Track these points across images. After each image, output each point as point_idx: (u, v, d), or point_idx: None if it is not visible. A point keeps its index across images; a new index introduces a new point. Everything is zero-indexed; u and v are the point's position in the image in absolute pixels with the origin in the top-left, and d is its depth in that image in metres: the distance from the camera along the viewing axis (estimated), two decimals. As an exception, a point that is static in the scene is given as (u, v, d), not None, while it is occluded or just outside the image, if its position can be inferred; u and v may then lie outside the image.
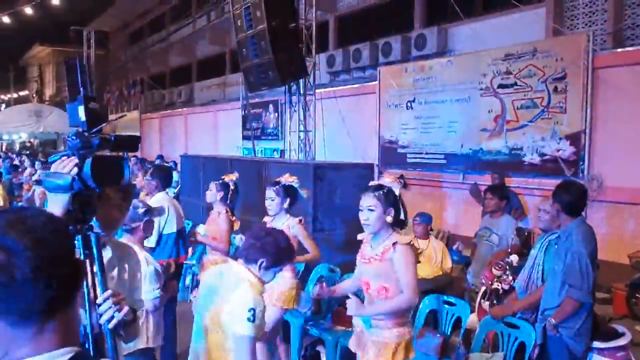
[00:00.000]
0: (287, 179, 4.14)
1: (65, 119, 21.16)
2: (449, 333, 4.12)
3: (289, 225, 3.97)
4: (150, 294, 3.06)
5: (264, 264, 2.53)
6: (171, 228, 4.46)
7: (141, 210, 3.29)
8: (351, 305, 2.82)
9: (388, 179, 2.97)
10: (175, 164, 12.13)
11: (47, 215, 1.05)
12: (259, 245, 2.54)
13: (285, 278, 3.93)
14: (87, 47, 20.50)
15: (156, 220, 3.60)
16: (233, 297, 2.40)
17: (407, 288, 2.79)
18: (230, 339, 2.37)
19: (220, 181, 4.77)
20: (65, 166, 1.68)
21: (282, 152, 13.14)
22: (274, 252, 2.54)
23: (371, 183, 3.02)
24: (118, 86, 24.56)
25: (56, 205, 1.67)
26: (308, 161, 8.45)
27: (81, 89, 1.81)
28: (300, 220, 4.02)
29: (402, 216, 2.91)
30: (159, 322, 3.27)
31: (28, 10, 17.76)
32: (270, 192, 4.05)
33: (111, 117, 24.07)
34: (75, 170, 1.68)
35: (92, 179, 1.68)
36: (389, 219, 2.84)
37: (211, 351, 2.47)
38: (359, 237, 3.09)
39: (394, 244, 2.83)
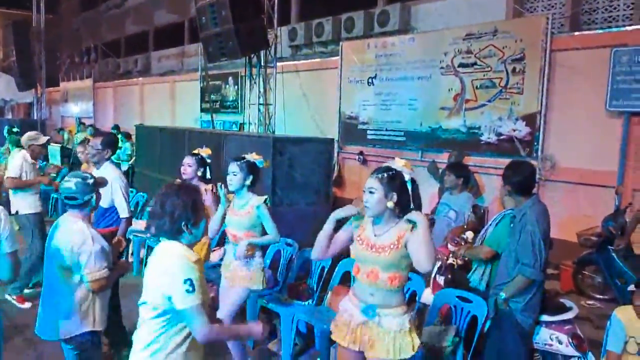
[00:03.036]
0: (254, 156, 3.98)
1: (12, 85, 20.27)
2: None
3: (252, 204, 3.84)
4: (97, 274, 2.92)
5: (186, 226, 2.33)
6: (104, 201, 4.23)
7: (91, 182, 3.10)
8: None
9: (399, 163, 2.83)
10: (130, 135, 11.79)
11: None
12: (166, 223, 2.31)
13: (253, 259, 3.88)
14: (36, 11, 19.53)
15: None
16: (164, 274, 2.28)
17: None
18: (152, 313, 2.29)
19: (198, 156, 4.59)
20: None
21: (242, 125, 12.96)
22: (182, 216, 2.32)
23: (385, 164, 2.87)
24: (70, 53, 23.57)
25: None
26: (267, 135, 8.34)
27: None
28: (265, 200, 3.86)
29: (410, 204, 2.77)
30: (105, 303, 3.13)
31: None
32: (233, 167, 3.86)
33: (62, 84, 23.18)
34: None
35: None
36: (390, 204, 2.73)
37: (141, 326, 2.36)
38: (361, 222, 2.93)
39: (411, 229, 2.73)
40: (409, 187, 2.79)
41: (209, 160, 4.65)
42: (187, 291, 2.19)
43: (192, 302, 2.20)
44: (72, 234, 2.94)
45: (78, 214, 3.05)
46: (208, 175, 4.63)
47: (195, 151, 4.65)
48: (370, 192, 2.76)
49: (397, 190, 2.75)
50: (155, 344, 2.28)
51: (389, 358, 2.73)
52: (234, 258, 3.87)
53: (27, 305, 5.44)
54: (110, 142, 4.65)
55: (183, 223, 2.30)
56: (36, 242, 5.63)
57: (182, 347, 2.31)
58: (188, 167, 4.50)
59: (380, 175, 2.76)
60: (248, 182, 3.88)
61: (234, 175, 3.85)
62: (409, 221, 2.75)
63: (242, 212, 3.87)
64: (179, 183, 2.46)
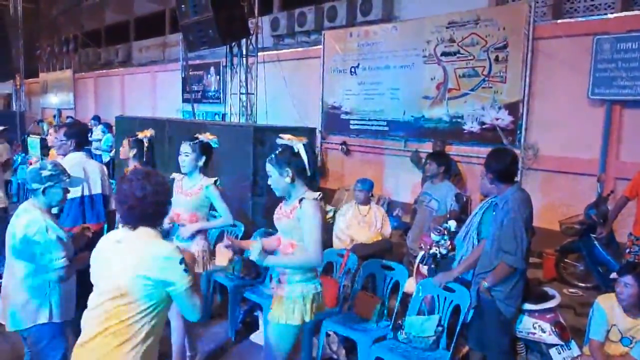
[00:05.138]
0: (207, 136, 3.89)
1: (-8, 76, 19.85)
2: (387, 297, 4.14)
3: (202, 185, 3.76)
4: (53, 263, 2.83)
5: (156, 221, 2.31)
6: (75, 192, 3.92)
7: (46, 173, 2.96)
8: (253, 250, 2.80)
9: (284, 139, 2.91)
10: (111, 126, 11.59)
11: None
12: (138, 210, 2.24)
13: (196, 241, 3.77)
14: (13, 1, 19.12)
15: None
16: (150, 259, 2.17)
17: (310, 245, 2.78)
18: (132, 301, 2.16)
19: (134, 137, 4.49)
20: None
21: (224, 116, 12.81)
22: (151, 207, 2.25)
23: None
24: (49, 43, 23.10)
25: None
26: (248, 124, 8.23)
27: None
28: (215, 182, 3.78)
29: (307, 172, 2.86)
30: (69, 294, 3.02)
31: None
32: (185, 147, 3.80)
33: (42, 75, 22.75)
34: None
35: None
36: (288, 179, 2.84)
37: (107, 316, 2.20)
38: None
39: (300, 200, 2.82)
40: (304, 155, 2.85)
41: (146, 143, 4.47)
42: (185, 271, 2.18)
43: (189, 282, 2.19)
44: (27, 223, 2.84)
45: (35, 203, 2.96)
46: (144, 158, 4.46)
47: (138, 133, 4.56)
48: (269, 176, 2.91)
49: (290, 164, 2.84)
50: (128, 335, 2.14)
51: (272, 321, 2.90)
52: (177, 239, 3.76)
53: None
54: (75, 132, 4.43)
55: (155, 208, 2.26)
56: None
57: (152, 336, 2.21)
58: (121, 148, 4.53)
59: (269, 158, 2.90)
60: (200, 163, 3.81)
61: (186, 155, 3.79)
62: (301, 200, 2.83)
63: (190, 192, 3.80)
64: (144, 170, 2.37)
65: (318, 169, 3.03)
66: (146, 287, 2.13)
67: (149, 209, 2.23)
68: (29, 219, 2.85)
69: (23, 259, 2.86)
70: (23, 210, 2.95)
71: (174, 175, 3.97)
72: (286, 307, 2.85)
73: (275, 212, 3.03)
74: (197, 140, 3.83)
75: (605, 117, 6.88)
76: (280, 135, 2.94)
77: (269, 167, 2.90)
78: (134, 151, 4.44)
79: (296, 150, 2.85)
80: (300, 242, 2.85)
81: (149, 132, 4.53)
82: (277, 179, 2.87)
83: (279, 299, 2.92)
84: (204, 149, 3.82)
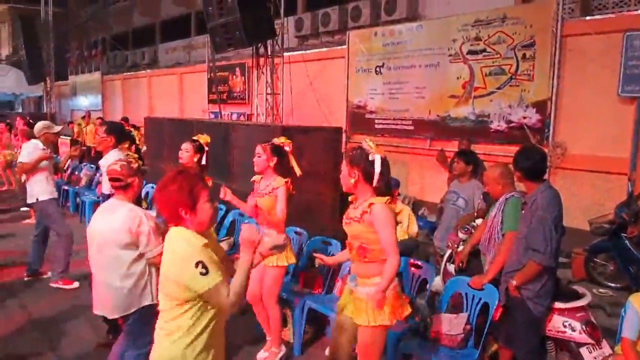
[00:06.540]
0: (280, 139, 4.08)
1: (22, 79, 20.37)
2: (414, 295, 4.15)
3: (274, 186, 3.90)
4: (157, 249, 3.04)
5: (185, 212, 2.24)
6: None
7: (135, 165, 3.22)
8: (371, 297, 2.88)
9: (367, 143, 3.00)
10: (137, 127, 11.82)
11: None
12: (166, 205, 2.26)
13: (275, 236, 3.84)
14: (44, 4, 19.57)
15: None
16: (173, 264, 2.20)
17: (390, 249, 2.86)
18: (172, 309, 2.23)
19: (197, 143, 4.58)
20: None
21: (250, 116, 12.93)
22: (178, 201, 2.23)
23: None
24: (78, 46, 23.60)
25: None
26: (275, 124, 8.31)
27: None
28: (287, 182, 3.91)
29: (373, 182, 2.90)
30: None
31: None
32: (258, 149, 4.00)
33: (71, 78, 23.23)
34: None
35: None
36: (353, 181, 2.95)
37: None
38: (350, 198, 3.14)
39: (370, 204, 2.89)
40: (377, 167, 2.92)
41: (206, 148, 4.61)
42: (202, 274, 2.13)
43: (209, 283, 2.14)
44: (127, 215, 3.05)
45: (124, 197, 3.17)
46: (203, 162, 4.58)
47: (195, 137, 4.62)
48: (341, 171, 3.06)
49: (361, 168, 2.93)
50: (178, 331, 2.22)
51: (363, 323, 2.92)
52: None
53: (76, 284, 5.60)
54: (114, 129, 4.59)
55: (181, 209, 2.22)
56: (61, 224, 5.73)
57: (206, 331, 2.25)
58: (185, 153, 4.52)
59: (346, 154, 3.03)
60: (272, 164, 3.96)
61: (259, 157, 3.98)
62: (370, 204, 2.90)
63: (264, 193, 3.96)
64: (178, 169, 2.43)
65: (390, 183, 3.08)
66: (180, 288, 2.16)
67: (173, 209, 2.23)
68: (128, 211, 3.07)
69: (129, 248, 3.05)
70: (115, 205, 3.15)
71: (254, 178, 4.15)
72: (368, 310, 2.89)
73: (344, 217, 3.11)
74: (269, 142, 4.01)
75: (636, 114, 6.77)
76: (366, 139, 3.07)
77: (343, 163, 3.03)
78: (198, 156, 4.54)
79: (371, 159, 2.93)
80: (372, 245, 2.93)
81: (208, 138, 4.66)
82: (345, 176, 3.00)
83: (358, 302, 2.95)
84: (276, 151, 3.97)
